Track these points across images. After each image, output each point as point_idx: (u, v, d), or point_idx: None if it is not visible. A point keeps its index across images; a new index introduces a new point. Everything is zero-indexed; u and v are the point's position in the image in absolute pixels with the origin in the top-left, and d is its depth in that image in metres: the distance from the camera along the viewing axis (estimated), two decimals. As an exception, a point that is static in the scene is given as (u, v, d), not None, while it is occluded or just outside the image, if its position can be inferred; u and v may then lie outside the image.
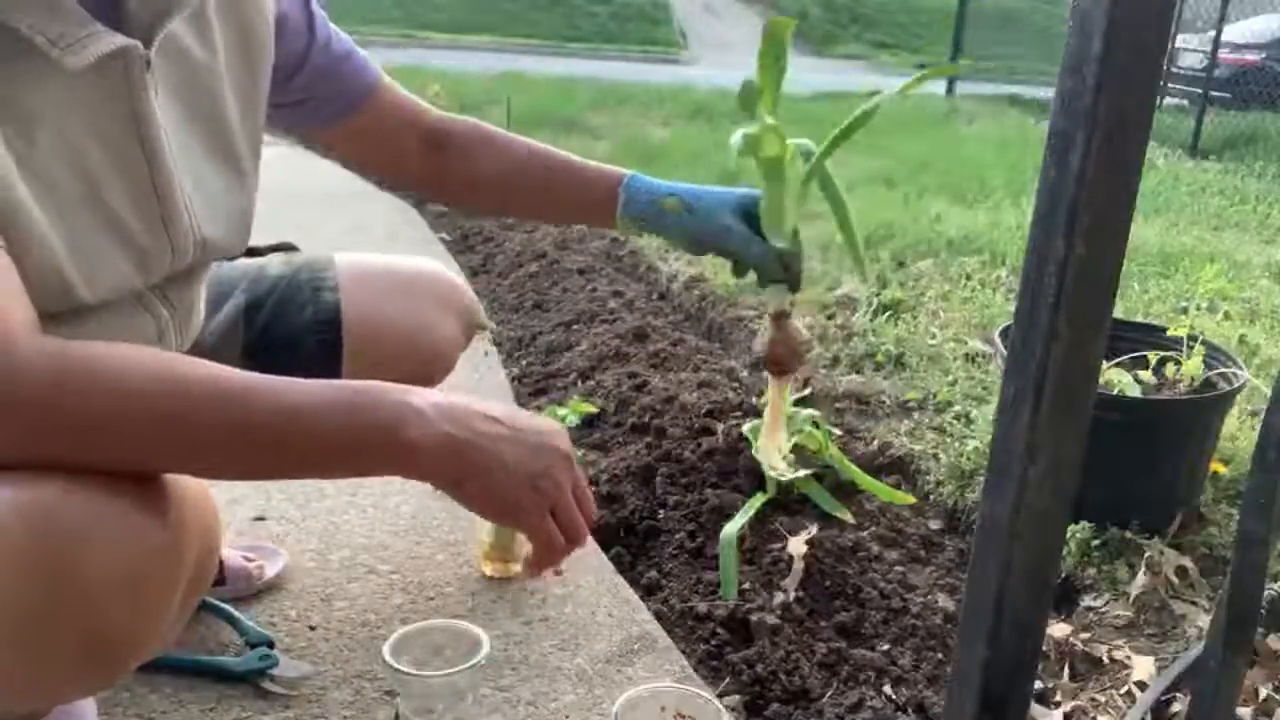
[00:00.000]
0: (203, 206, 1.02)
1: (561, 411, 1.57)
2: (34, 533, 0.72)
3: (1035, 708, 1.35)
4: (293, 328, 1.31)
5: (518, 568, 1.51)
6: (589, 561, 1.57)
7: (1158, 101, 7.03)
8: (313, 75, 1.21)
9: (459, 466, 0.88)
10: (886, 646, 1.45)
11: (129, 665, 0.83)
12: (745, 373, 2.39)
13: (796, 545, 1.59)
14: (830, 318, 2.83)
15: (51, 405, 0.73)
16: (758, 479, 1.81)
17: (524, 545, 1.52)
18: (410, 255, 1.47)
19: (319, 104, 1.24)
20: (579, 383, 2.35)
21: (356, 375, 1.33)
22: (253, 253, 1.40)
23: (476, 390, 2.29)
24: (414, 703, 1.11)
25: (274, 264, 1.38)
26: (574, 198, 1.31)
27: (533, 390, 2.38)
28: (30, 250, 0.84)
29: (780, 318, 1.30)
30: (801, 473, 1.74)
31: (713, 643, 1.43)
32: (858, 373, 2.47)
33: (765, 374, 1.32)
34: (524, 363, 2.56)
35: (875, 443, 2.09)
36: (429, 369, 1.42)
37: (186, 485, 0.83)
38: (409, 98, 1.33)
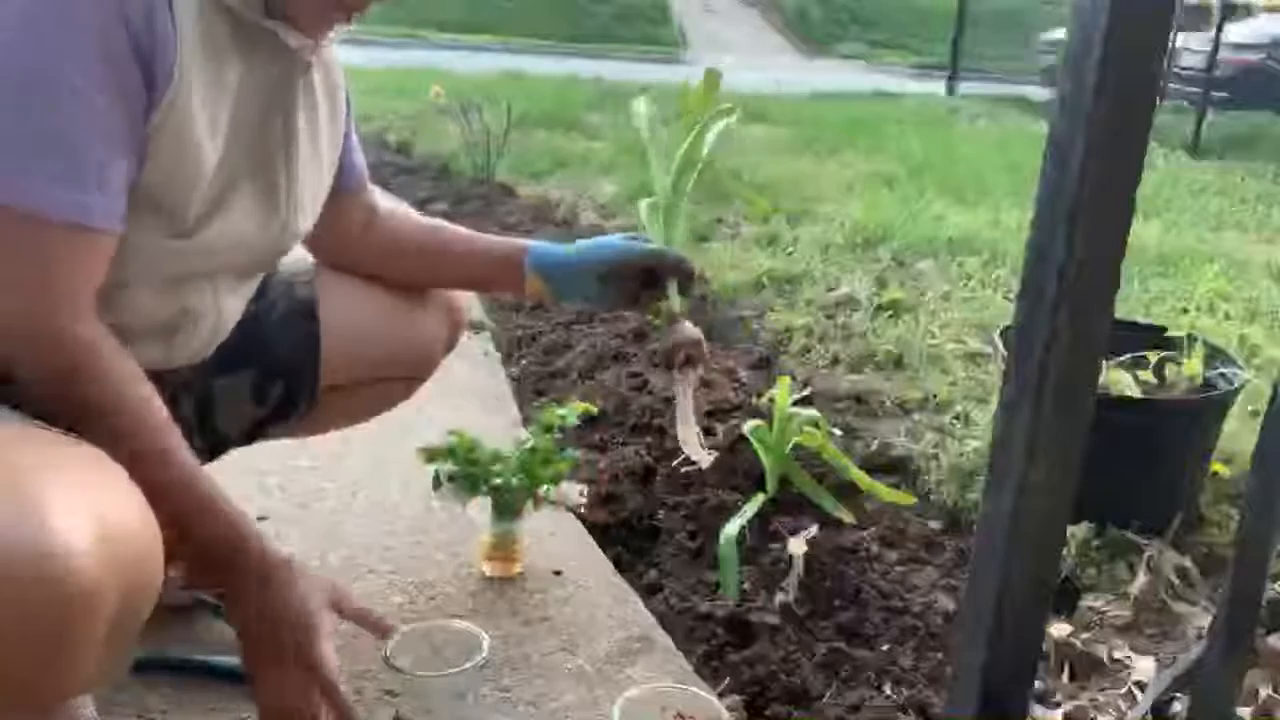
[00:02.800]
0: (309, 205, 1.19)
1: (561, 411, 1.58)
2: None
3: (1035, 708, 1.35)
4: (267, 324, 1.31)
5: (518, 568, 1.51)
6: (589, 561, 1.57)
7: (1157, 102, 7.06)
8: None
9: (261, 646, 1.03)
10: (887, 647, 1.45)
11: (52, 705, 0.85)
12: (745, 373, 2.39)
13: (796, 545, 1.59)
14: (830, 318, 2.83)
15: (59, 380, 0.93)
16: (757, 479, 1.81)
17: (525, 545, 1.52)
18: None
19: None
20: (579, 382, 2.35)
21: (337, 374, 1.36)
22: None
23: (476, 391, 2.29)
24: (414, 702, 1.12)
25: None
26: (483, 266, 1.41)
27: (533, 390, 2.38)
28: (197, 178, 1.01)
29: (675, 318, 1.43)
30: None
31: (713, 643, 1.43)
32: (858, 373, 2.47)
33: (674, 371, 1.46)
34: (524, 362, 2.56)
35: (875, 443, 2.09)
36: (412, 370, 1.44)
37: (117, 519, 0.79)
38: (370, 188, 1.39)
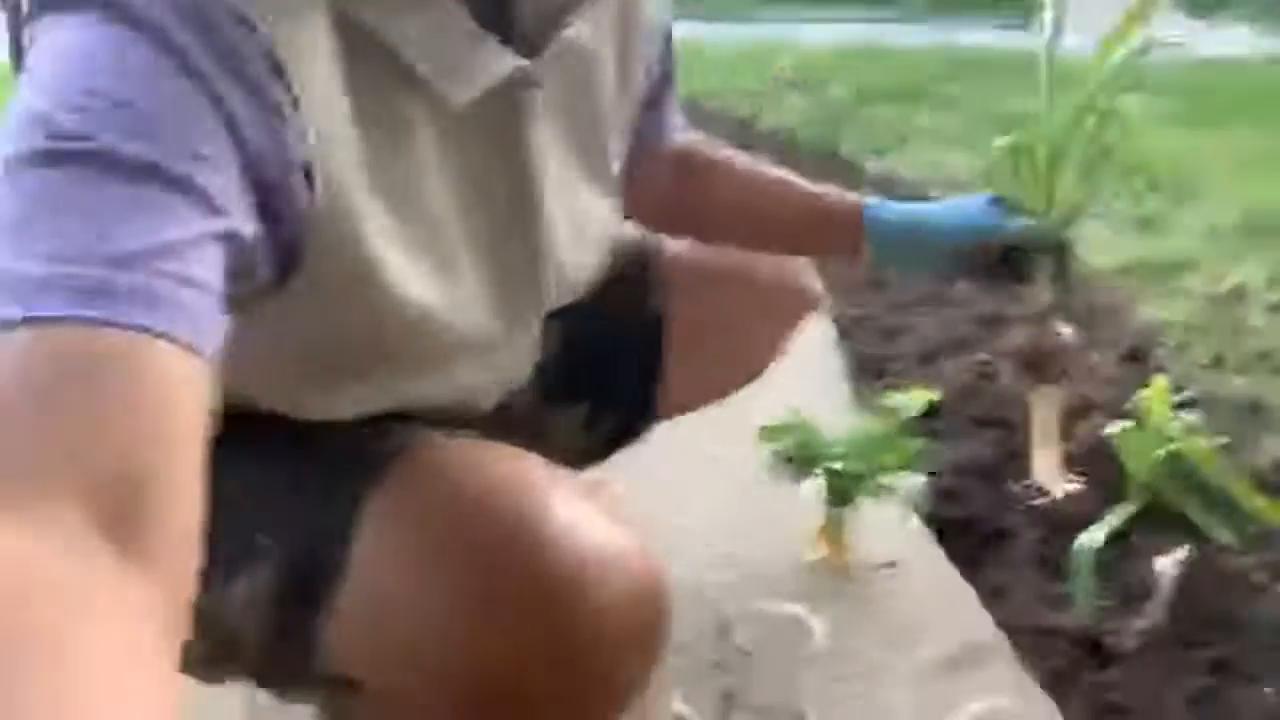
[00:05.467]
0: (572, 240, 0.88)
1: (899, 398, 1.50)
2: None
3: None
4: (605, 343, 1.16)
5: (850, 556, 1.46)
6: (926, 557, 1.49)
7: None
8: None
9: None
10: (1271, 689, 1.26)
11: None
12: (1111, 368, 2.18)
13: (1166, 565, 1.42)
14: (1215, 311, 2.52)
15: None
16: (1119, 488, 1.63)
17: (858, 533, 1.47)
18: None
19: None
20: (919, 367, 2.24)
21: (673, 397, 1.21)
22: None
23: (808, 369, 2.25)
24: (745, 676, 1.10)
25: None
26: (813, 226, 1.19)
27: (869, 372, 2.30)
28: (383, 307, 0.73)
29: (1043, 317, 1.20)
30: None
31: (1061, 661, 1.31)
32: (1246, 375, 2.18)
33: (1038, 386, 1.25)
34: (859, 341, 2.48)
35: (1268, 457, 1.83)
36: (751, 376, 1.32)
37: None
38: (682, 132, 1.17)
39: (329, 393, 0.79)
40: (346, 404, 0.80)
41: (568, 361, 1.09)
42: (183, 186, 0.53)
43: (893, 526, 1.56)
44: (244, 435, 0.77)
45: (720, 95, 6.18)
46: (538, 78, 0.76)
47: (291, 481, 0.76)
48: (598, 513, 0.71)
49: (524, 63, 0.74)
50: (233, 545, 0.72)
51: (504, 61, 0.73)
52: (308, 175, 0.64)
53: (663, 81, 1.05)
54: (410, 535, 0.70)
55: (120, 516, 0.44)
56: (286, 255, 0.66)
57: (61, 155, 0.51)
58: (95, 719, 0.37)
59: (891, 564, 1.47)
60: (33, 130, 0.52)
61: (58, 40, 0.57)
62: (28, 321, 0.46)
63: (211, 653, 0.77)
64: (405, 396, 0.82)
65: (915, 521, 1.60)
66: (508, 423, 0.98)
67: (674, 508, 1.59)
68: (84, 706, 0.37)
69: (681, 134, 1.17)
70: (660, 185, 1.14)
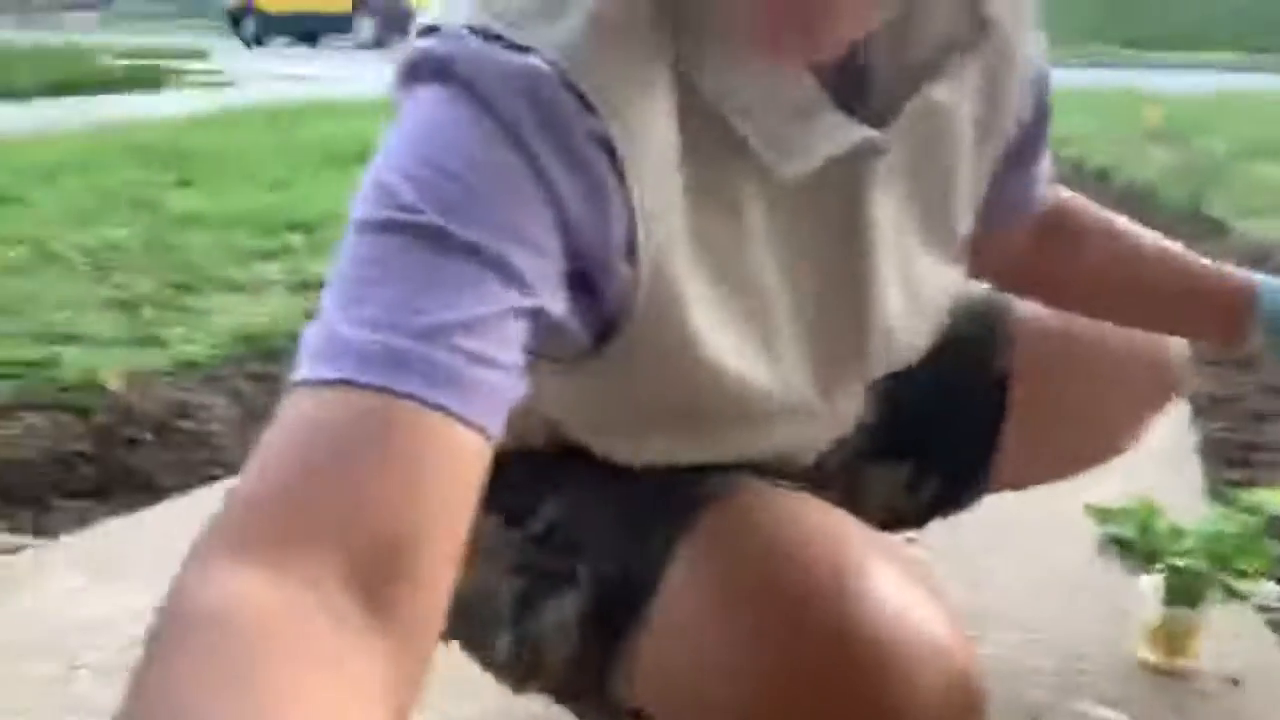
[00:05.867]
0: (905, 308, 0.83)
1: (1263, 494, 1.33)
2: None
3: None
4: (940, 400, 1.09)
5: (1186, 663, 1.31)
6: (1275, 679, 1.31)
7: None
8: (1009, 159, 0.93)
9: None
10: None
11: None
12: None
13: None
14: None
15: None
16: None
17: (1199, 639, 1.31)
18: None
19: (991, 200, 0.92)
20: (1287, 460, 1.99)
21: (1008, 471, 1.12)
22: None
23: (1157, 447, 2.05)
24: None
25: None
26: (1194, 306, 1.05)
27: (1225, 459, 2.06)
28: (700, 376, 0.72)
29: None
30: None
31: None
32: None
33: None
34: (1218, 424, 2.23)
35: None
36: (1098, 461, 1.21)
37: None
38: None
39: (638, 441, 0.79)
40: (655, 454, 0.80)
41: (895, 419, 1.04)
42: (498, 265, 0.56)
43: (1241, 637, 1.38)
44: (569, 466, 0.81)
45: (1078, 143, 5.83)
46: (885, 146, 0.72)
47: (612, 516, 0.78)
48: (911, 579, 0.68)
49: (871, 133, 0.71)
50: (554, 567, 0.77)
51: (849, 133, 0.70)
52: (631, 248, 0.65)
53: (1034, 134, 0.95)
54: (719, 580, 0.70)
55: (378, 581, 0.47)
56: (603, 326, 0.68)
57: (395, 225, 0.57)
58: None
59: (1235, 680, 1.30)
60: (375, 196, 0.58)
61: (410, 111, 0.62)
62: (343, 384, 0.51)
63: (518, 664, 0.81)
64: (717, 452, 0.81)
65: (1269, 635, 1.41)
66: (822, 477, 0.94)
67: (982, 580, 1.50)
68: None
69: (1049, 187, 1.07)
70: (1018, 243, 1.06)
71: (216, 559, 0.46)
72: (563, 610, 0.77)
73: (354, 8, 19.18)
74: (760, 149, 0.68)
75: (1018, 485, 1.21)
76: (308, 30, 20.23)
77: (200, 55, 14.67)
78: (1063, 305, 1.13)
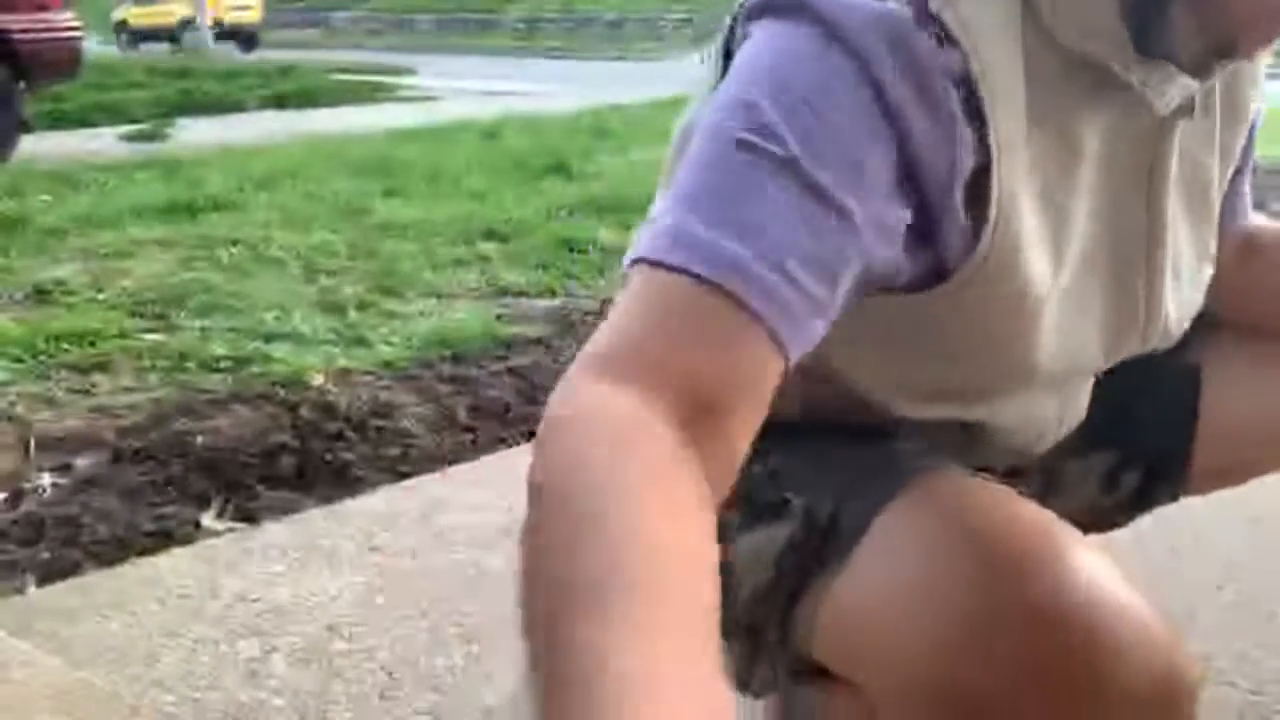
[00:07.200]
0: (1173, 290, 0.85)
1: None
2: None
3: None
4: (1140, 395, 1.06)
5: None
6: None
7: None
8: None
9: None
10: None
11: None
12: None
13: None
14: None
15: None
16: None
17: None
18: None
19: None
20: None
21: (1207, 463, 1.06)
22: None
23: None
24: None
25: None
26: None
27: None
28: (1018, 314, 0.74)
29: None
30: None
31: None
32: None
33: None
34: None
35: None
36: None
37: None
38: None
39: (917, 403, 0.82)
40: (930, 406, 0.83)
41: (1093, 410, 1.01)
42: (840, 212, 0.62)
43: None
44: (806, 431, 0.82)
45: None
46: (1194, 109, 0.76)
47: (834, 469, 0.79)
48: (1118, 574, 0.64)
49: (1196, 85, 0.73)
50: (770, 498, 0.78)
51: (1187, 84, 0.73)
52: (977, 185, 0.68)
53: (1245, 160, 0.98)
54: (931, 535, 0.69)
55: (697, 419, 0.57)
56: (937, 266, 0.71)
57: (753, 147, 0.62)
58: (649, 545, 0.50)
59: None
60: (735, 112, 0.64)
61: (765, 42, 0.67)
62: (688, 274, 0.60)
63: None
64: (983, 405, 0.84)
65: None
66: (1021, 473, 0.97)
67: (1192, 568, 1.36)
68: (643, 533, 0.50)
69: (1248, 216, 1.07)
70: (1220, 261, 1.02)
71: (581, 381, 0.58)
72: (768, 537, 0.77)
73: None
74: (1135, 83, 0.71)
75: (1221, 481, 1.13)
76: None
77: (409, 72, 15.42)
78: (1253, 318, 1.07)
